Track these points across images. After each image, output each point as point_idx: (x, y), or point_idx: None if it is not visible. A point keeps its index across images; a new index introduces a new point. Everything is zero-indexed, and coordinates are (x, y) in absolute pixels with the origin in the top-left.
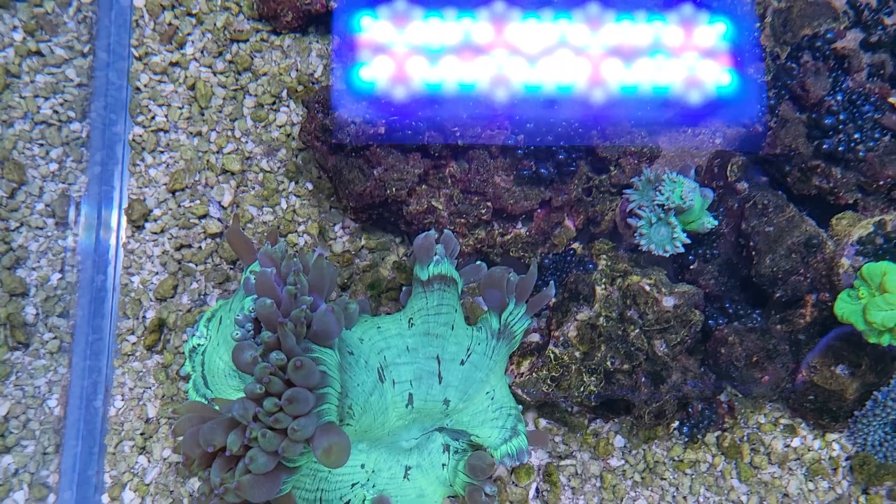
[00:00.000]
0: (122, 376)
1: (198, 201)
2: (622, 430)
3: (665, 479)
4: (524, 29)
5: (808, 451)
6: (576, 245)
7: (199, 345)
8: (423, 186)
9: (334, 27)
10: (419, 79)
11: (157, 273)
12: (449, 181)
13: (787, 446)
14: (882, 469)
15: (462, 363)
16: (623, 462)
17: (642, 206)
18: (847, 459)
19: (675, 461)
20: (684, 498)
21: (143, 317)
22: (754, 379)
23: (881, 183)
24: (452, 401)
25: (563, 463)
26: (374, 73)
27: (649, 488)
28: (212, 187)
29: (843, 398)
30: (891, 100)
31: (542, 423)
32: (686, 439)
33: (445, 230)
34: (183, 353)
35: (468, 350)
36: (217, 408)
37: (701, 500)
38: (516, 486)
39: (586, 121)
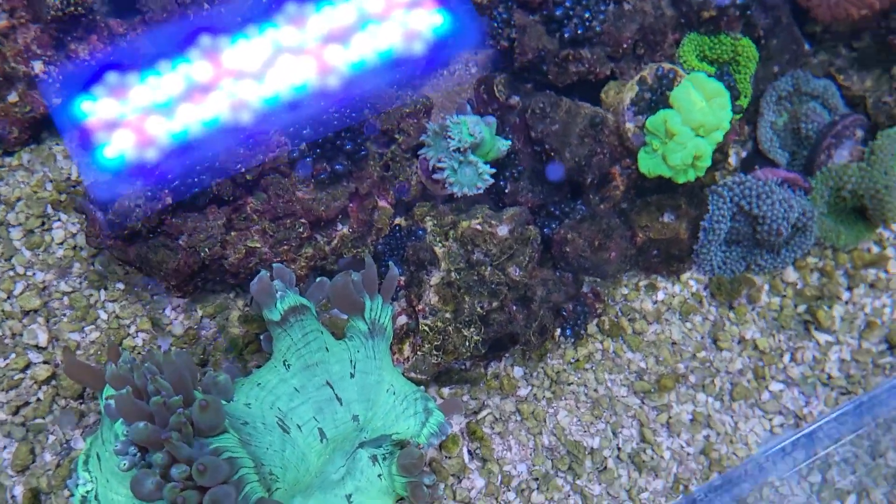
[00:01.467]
0: None
1: (13, 355)
2: (516, 360)
3: (572, 383)
4: (240, 51)
5: (673, 297)
6: (399, 220)
7: (88, 492)
8: (233, 233)
9: (60, 124)
10: (173, 134)
11: (4, 447)
12: (255, 217)
13: (656, 302)
14: (734, 282)
15: (352, 376)
16: (530, 388)
17: (440, 157)
18: (705, 289)
19: (572, 363)
20: (595, 390)
21: (12, 497)
22: (604, 260)
23: (625, 46)
24: (360, 414)
25: (480, 416)
26: (127, 149)
27: (562, 398)
28: (20, 335)
29: (680, 240)
30: None
31: (446, 391)
32: (573, 340)
33: (274, 264)
34: None
35: (352, 362)
36: None
37: (609, 384)
38: (449, 458)
39: (352, 104)
